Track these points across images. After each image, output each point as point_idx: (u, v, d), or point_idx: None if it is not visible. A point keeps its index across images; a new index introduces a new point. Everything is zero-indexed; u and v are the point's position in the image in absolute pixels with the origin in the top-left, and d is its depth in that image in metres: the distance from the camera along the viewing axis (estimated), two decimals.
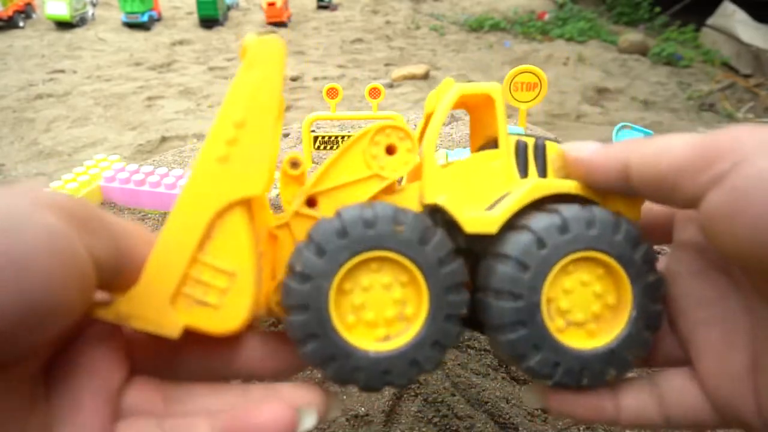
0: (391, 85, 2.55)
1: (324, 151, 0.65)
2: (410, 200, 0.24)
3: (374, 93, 0.57)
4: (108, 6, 3.63)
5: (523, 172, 0.25)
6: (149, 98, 2.29)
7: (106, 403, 0.19)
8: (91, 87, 2.38)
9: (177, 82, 2.50)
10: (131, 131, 1.98)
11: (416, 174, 0.25)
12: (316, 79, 2.57)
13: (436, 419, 0.42)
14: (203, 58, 2.90)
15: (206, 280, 0.20)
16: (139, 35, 3.21)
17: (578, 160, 0.22)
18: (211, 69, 2.72)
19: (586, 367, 0.22)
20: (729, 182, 0.17)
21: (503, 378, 0.45)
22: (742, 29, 3.36)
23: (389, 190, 0.24)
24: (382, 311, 0.22)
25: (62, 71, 2.55)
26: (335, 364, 0.21)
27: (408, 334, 0.22)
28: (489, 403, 0.43)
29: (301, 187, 0.24)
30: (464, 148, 0.64)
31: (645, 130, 0.50)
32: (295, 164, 0.24)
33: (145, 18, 3.27)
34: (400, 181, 0.26)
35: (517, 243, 0.22)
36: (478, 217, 0.22)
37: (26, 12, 3.24)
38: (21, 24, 3.16)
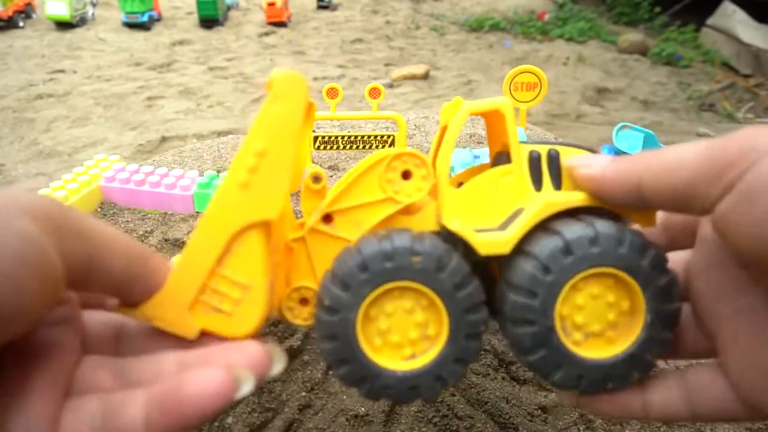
0: (391, 85, 2.55)
1: (324, 151, 0.65)
2: (428, 221, 0.26)
3: (374, 93, 0.57)
4: (108, 6, 3.63)
5: (538, 184, 0.25)
6: (149, 98, 2.29)
7: (57, 384, 0.19)
8: (91, 87, 2.38)
9: (177, 82, 2.50)
10: (131, 131, 1.98)
11: (435, 192, 0.26)
12: (316, 79, 2.57)
13: (436, 419, 0.42)
14: (203, 58, 2.90)
15: (223, 291, 0.22)
16: (139, 35, 3.21)
17: (588, 178, 0.23)
18: (211, 69, 2.72)
19: (609, 374, 0.23)
20: (738, 188, 0.17)
21: (503, 378, 0.45)
22: (742, 29, 3.36)
23: (407, 211, 0.26)
24: (406, 333, 0.24)
25: (62, 71, 2.55)
26: (367, 385, 0.23)
27: (432, 353, 0.24)
28: (489, 403, 0.43)
29: (320, 203, 0.25)
30: (464, 148, 0.64)
31: (645, 130, 0.50)
32: (317, 179, 0.26)
33: (145, 18, 3.27)
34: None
35: (524, 272, 0.23)
36: (490, 240, 0.23)
37: (26, 12, 3.24)
38: (21, 24, 3.16)
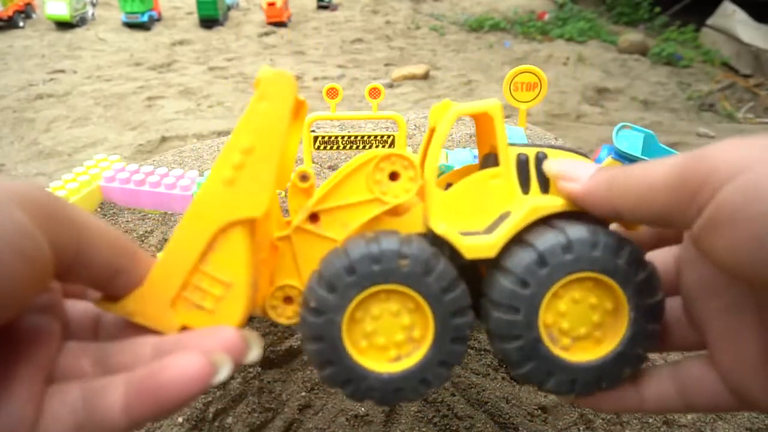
0: (391, 85, 2.55)
1: (324, 151, 0.65)
2: (415, 223, 0.26)
3: (374, 93, 0.57)
4: (108, 6, 3.63)
5: (525, 187, 0.25)
6: (149, 98, 2.29)
7: (40, 370, 0.19)
8: (91, 87, 2.38)
9: (177, 82, 2.50)
10: (131, 131, 1.98)
11: (422, 193, 0.26)
12: (316, 79, 2.57)
13: (436, 419, 0.42)
14: (203, 58, 2.90)
15: (204, 288, 0.22)
16: (139, 35, 3.21)
17: (568, 194, 0.23)
18: (211, 69, 2.72)
19: (601, 374, 0.24)
20: (705, 215, 0.18)
21: (503, 378, 0.45)
22: (742, 29, 3.36)
23: (394, 212, 0.25)
24: (392, 336, 0.24)
25: (62, 71, 2.55)
26: (351, 386, 0.23)
27: (417, 355, 0.24)
28: (489, 403, 0.43)
29: (306, 202, 0.25)
30: (464, 148, 0.64)
31: (645, 130, 0.50)
32: (304, 177, 0.26)
33: (145, 18, 3.27)
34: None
35: (503, 288, 0.23)
36: (476, 244, 0.23)
37: (26, 12, 3.24)
38: (21, 24, 3.16)
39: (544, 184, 0.25)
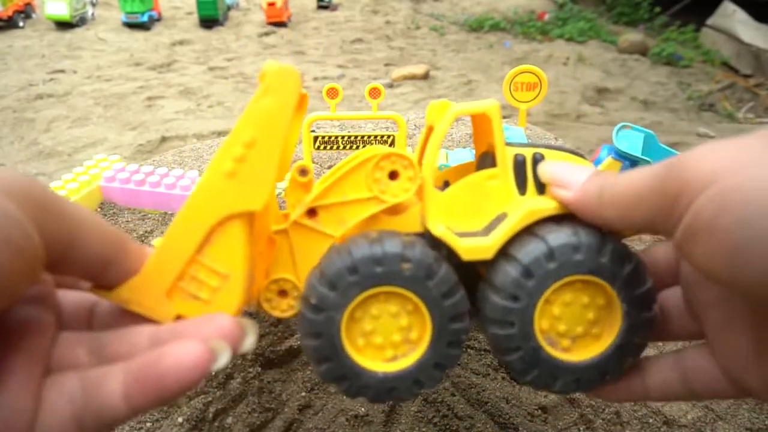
0: (391, 85, 2.55)
1: (324, 151, 0.65)
2: (413, 222, 0.26)
3: (374, 93, 0.57)
4: (108, 6, 3.63)
5: (522, 188, 0.25)
6: (149, 98, 2.29)
7: (36, 361, 0.19)
8: (91, 87, 2.37)
9: (177, 82, 2.49)
10: (131, 131, 1.98)
11: (420, 193, 0.26)
12: (316, 79, 2.57)
13: (436, 419, 0.42)
14: (203, 58, 2.90)
15: (201, 278, 0.22)
16: (139, 35, 3.21)
17: (561, 201, 0.24)
18: (211, 69, 2.72)
19: (604, 368, 0.24)
20: (682, 226, 0.18)
21: (503, 378, 0.45)
22: (742, 29, 3.36)
23: (392, 211, 0.26)
24: (390, 336, 0.24)
25: (62, 71, 2.55)
26: (346, 383, 0.24)
27: (413, 356, 0.24)
28: (489, 403, 0.43)
29: (305, 196, 0.25)
30: (464, 147, 0.64)
31: (645, 130, 0.50)
32: (303, 172, 0.26)
33: (145, 18, 3.27)
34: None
35: (496, 305, 0.23)
36: (474, 246, 0.23)
37: (26, 12, 3.24)
38: (21, 24, 3.16)
39: (541, 185, 0.25)
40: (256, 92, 0.22)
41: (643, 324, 0.23)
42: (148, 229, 0.59)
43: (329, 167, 0.72)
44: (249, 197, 0.22)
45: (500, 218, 0.24)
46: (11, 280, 0.16)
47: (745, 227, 0.16)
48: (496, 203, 0.25)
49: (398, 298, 0.24)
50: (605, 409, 0.43)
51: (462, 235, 0.24)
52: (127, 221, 0.61)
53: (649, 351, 0.25)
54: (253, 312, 0.43)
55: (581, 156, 0.27)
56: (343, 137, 0.61)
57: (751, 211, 0.15)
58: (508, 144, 0.26)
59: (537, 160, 0.25)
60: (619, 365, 0.24)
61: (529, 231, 0.23)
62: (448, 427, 0.41)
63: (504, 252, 0.24)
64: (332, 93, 0.57)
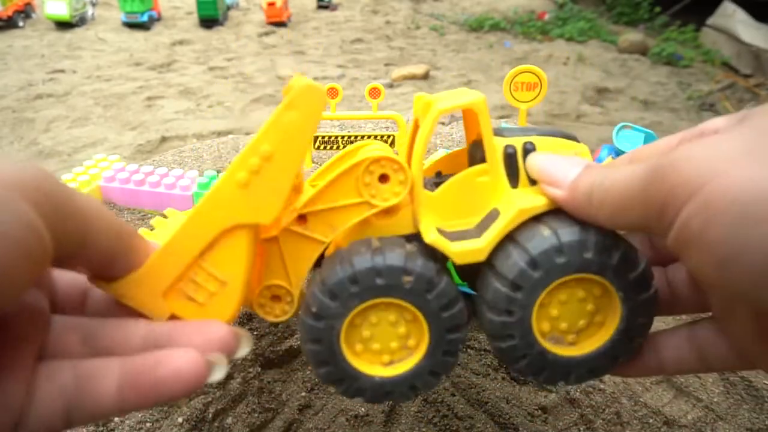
0: (391, 85, 2.55)
1: (324, 151, 0.64)
2: (405, 224, 0.26)
3: (374, 93, 0.57)
4: (108, 6, 3.63)
5: (514, 180, 0.25)
6: (149, 98, 2.29)
7: (30, 347, 0.19)
8: (91, 87, 2.37)
9: (177, 82, 2.49)
10: (131, 131, 1.98)
11: (411, 193, 0.26)
12: (316, 79, 2.57)
13: (436, 419, 0.42)
14: (203, 58, 2.90)
15: (199, 281, 0.22)
16: (139, 35, 3.21)
17: (553, 199, 0.23)
18: (211, 69, 2.72)
19: (615, 353, 0.24)
20: (672, 234, 0.18)
21: (503, 378, 0.45)
22: (742, 29, 3.35)
23: (385, 213, 0.25)
24: (387, 343, 0.24)
25: (62, 71, 2.55)
26: (344, 385, 0.24)
27: (409, 363, 0.24)
28: (489, 403, 0.43)
29: (295, 202, 0.25)
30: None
31: (645, 130, 0.50)
32: None
33: (145, 18, 3.26)
34: None
35: (492, 321, 0.24)
36: (466, 250, 0.23)
37: (26, 12, 3.24)
38: (21, 24, 3.16)
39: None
40: (280, 106, 0.21)
41: (643, 305, 0.23)
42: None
43: None
44: (259, 210, 0.22)
45: (492, 216, 0.24)
46: (19, 284, 0.16)
47: (731, 241, 0.16)
48: (489, 198, 0.25)
49: (397, 308, 0.24)
50: (605, 409, 0.43)
51: (455, 236, 0.24)
52: (127, 221, 0.60)
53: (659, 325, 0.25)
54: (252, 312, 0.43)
55: (574, 139, 0.26)
56: (343, 137, 0.61)
57: (735, 224, 0.15)
58: (498, 133, 0.25)
59: (528, 150, 0.25)
60: (629, 347, 0.24)
61: (511, 237, 0.23)
62: (448, 427, 0.41)
63: (490, 264, 0.24)
64: (332, 93, 0.57)
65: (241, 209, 0.22)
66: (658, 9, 3.95)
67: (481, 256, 0.23)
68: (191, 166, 0.72)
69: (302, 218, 0.25)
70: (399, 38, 3.45)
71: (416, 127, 0.28)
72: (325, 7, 3.97)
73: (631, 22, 4.05)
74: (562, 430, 0.42)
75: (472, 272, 0.24)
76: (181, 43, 3.13)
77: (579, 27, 3.63)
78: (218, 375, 0.20)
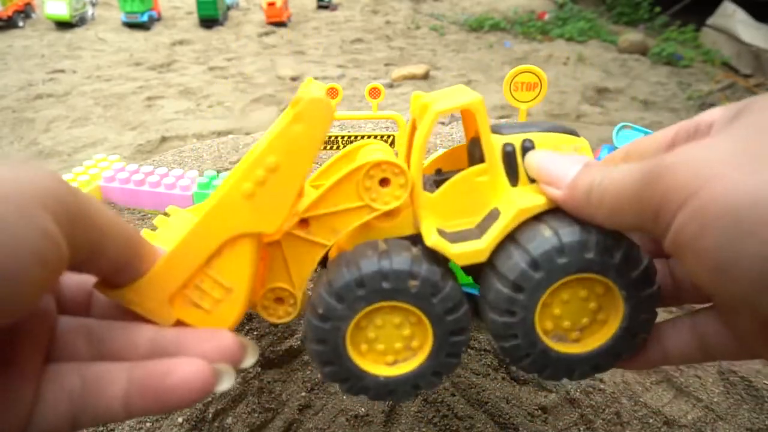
0: (391, 85, 2.55)
1: (324, 151, 0.64)
2: (406, 225, 0.26)
3: (374, 93, 0.57)
4: (108, 6, 3.63)
5: (514, 179, 0.25)
6: (149, 98, 2.28)
7: (37, 350, 0.19)
8: (91, 87, 2.37)
9: (177, 82, 2.49)
10: (131, 131, 1.98)
11: (412, 195, 0.26)
12: (316, 79, 2.56)
13: (436, 419, 0.42)
14: (203, 58, 2.90)
15: (205, 288, 0.23)
16: (139, 35, 3.21)
17: (552, 199, 0.23)
18: (211, 69, 2.72)
19: (618, 349, 0.24)
20: (669, 237, 0.18)
21: (503, 378, 0.45)
22: (742, 29, 3.35)
23: (385, 216, 0.26)
24: (392, 344, 0.25)
25: (62, 71, 2.55)
26: (348, 383, 0.25)
27: (413, 363, 0.25)
28: (489, 403, 0.43)
29: (297, 205, 0.25)
30: None
31: (645, 130, 0.50)
32: None
33: (145, 18, 3.26)
34: None
35: (495, 322, 0.24)
36: (467, 251, 0.23)
37: (26, 12, 3.24)
38: (20, 24, 3.16)
39: None
40: (287, 118, 0.22)
41: (646, 301, 0.23)
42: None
43: None
44: (263, 220, 0.22)
45: (493, 215, 0.24)
46: (35, 290, 0.16)
47: (727, 248, 0.15)
48: (489, 198, 0.25)
49: (402, 311, 0.24)
50: (605, 409, 0.43)
51: (456, 237, 0.24)
52: (127, 221, 0.60)
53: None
54: (254, 314, 0.43)
55: (574, 133, 0.26)
56: (343, 137, 0.61)
57: (730, 230, 0.15)
58: (497, 131, 0.25)
59: (526, 148, 0.25)
60: (632, 343, 0.24)
61: (512, 238, 0.23)
62: (448, 427, 0.41)
63: (492, 264, 0.24)
64: (332, 93, 0.57)
65: (246, 219, 0.22)
66: (658, 9, 3.95)
67: (482, 257, 0.23)
68: (191, 166, 0.72)
69: (304, 222, 0.25)
70: (399, 38, 3.45)
71: (414, 128, 0.28)
72: (325, 7, 3.97)
73: (631, 22, 4.05)
74: (562, 430, 0.42)
75: (476, 268, 0.24)
76: (181, 43, 3.13)
77: (579, 27, 3.62)
78: (225, 385, 0.20)
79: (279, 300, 0.26)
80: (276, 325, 0.47)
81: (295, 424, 0.42)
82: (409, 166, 0.25)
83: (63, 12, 3.12)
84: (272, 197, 0.22)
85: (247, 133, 0.97)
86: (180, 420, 0.39)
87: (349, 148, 0.30)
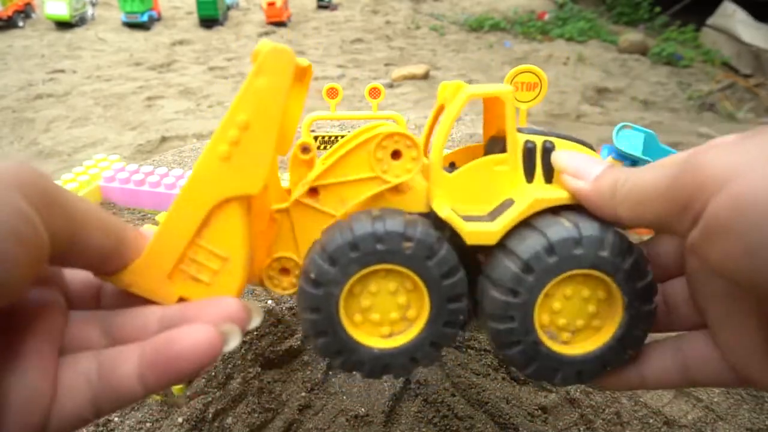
0: (391, 85, 2.55)
1: (324, 151, 0.64)
2: (417, 202, 0.26)
3: (374, 93, 0.57)
4: (108, 6, 3.63)
5: (530, 175, 0.25)
6: (149, 98, 2.28)
7: (51, 342, 0.20)
8: (91, 87, 2.37)
9: (177, 82, 2.49)
10: (131, 131, 1.98)
11: (427, 173, 0.26)
12: (316, 79, 2.57)
13: (436, 419, 0.42)
14: (203, 58, 2.90)
15: (201, 261, 0.22)
16: (139, 35, 3.21)
17: (574, 192, 0.23)
18: (211, 69, 2.72)
19: (605, 360, 0.24)
20: (699, 226, 0.18)
21: (503, 378, 0.45)
22: (742, 29, 3.35)
23: (397, 190, 0.25)
24: (387, 313, 0.24)
25: (62, 71, 2.55)
26: (342, 358, 0.24)
27: (409, 334, 0.24)
28: (489, 404, 0.43)
29: (307, 174, 0.25)
30: None
31: (645, 129, 0.50)
32: (306, 149, 0.25)
33: (145, 18, 3.26)
34: None
35: (496, 302, 0.23)
36: (478, 230, 0.23)
37: (26, 12, 3.24)
38: (20, 24, 3.16)
39: (548, 174, 0.25)
40: (250, 73, 0.21)
41: (644, 316, 0.23)
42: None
43: None
44: (245, 181, 0.22)
45: (506, 204, 0.24)
46: (19, 273, 0.17)
47: (761, 231, 0.16)
48: (503, 189, 0.25)
49: (397, 276, 0.24)
50: (605, 409, 0.43)
51: (467, 219, 0.24)
52: (127, 221, 0.61)
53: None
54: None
55: (591, 147, 0.26)
56: (343, 137, 0.61)
57: (765, 214, 0.16)
58: (519, 131, 0.26)
59: (547, 149, 0.25)
60: (619, 357, 0.24)
61: (528, 224, 0.23)
62: (448, 427, 0.41)
63: (503, 245, 0.23)
64: (332, 93, 0.57)
65: (227, 182, 0.22)
66: (658, 9, 3.95)
67: (493, 239, 0.23)
68: (191, 166, 0.72)
69: (314, 191, 0.25)
70: (399, 38, 3.45)
71: (439, 111, 0.28)
72: (325, 7, 3.97)
73: (631, 22, 4.05)
74: (562, 430, 0.42)
75: (466, 262, 0.24)
76: (181, 43, 3.13)
77: (579, 27, 3.62)
78: (233, 344, 0.20)
79: (284, 270, 0.26)
80: (277, 324, 0.47)
81: (295, 424, 0.42)
82: (427, 145, 0.25)
83: (63, 12, 3.12)
84: (249, 155, 0.22)
85: None
86: (180, 420, 0.39)
87: (364, 128, 0.29)
